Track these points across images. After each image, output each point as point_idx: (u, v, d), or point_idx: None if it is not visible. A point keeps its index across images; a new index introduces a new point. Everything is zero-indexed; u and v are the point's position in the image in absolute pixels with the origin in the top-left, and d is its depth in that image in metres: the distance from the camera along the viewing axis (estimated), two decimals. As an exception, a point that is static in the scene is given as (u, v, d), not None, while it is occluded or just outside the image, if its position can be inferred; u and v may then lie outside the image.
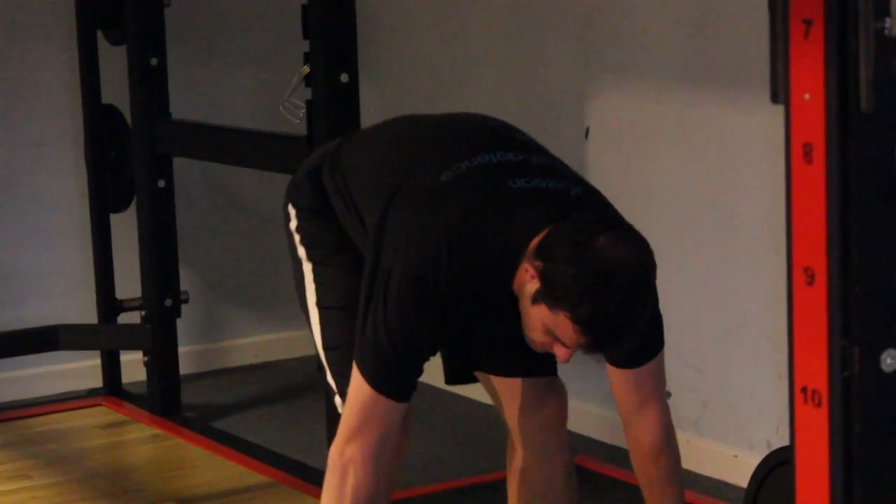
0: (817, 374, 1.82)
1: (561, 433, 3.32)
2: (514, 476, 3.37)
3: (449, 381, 3.43)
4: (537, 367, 3.28)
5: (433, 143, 3.20)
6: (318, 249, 3.27)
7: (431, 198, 3.04)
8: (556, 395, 3.30)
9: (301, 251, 3.29)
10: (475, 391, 3.80)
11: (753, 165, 4.58)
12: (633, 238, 2.91)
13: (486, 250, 2.97)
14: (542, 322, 2.89)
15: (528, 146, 3.19)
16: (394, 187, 3.08)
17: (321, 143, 4.50)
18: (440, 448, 4.94)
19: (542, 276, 2.85)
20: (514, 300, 3.00)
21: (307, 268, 3.27)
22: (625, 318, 2.86)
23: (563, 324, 2.84)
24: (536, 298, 2.88)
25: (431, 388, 4.24)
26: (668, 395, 3.24)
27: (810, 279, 1.82)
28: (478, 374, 3.37)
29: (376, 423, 2.97)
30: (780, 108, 2.00)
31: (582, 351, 2.89)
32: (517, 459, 3.35)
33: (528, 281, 2.90)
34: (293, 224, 3.31)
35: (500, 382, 3.32)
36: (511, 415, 3.31)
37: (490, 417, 3.57)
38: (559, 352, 2.91)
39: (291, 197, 3.34)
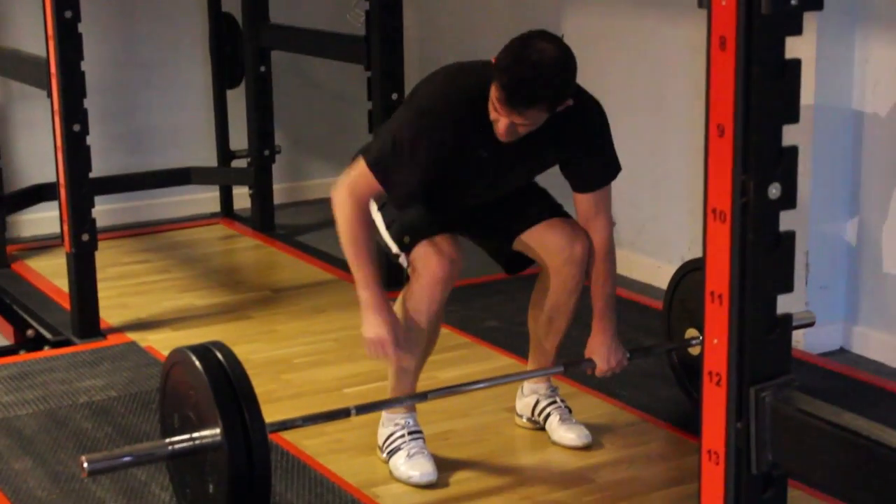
0: (724, 199, 1.80)
1: (582, 268, 3.15)
2: (540, 287, 3.25)
3: (510, 271, 3.32)
4: (547, 214, 3.19)
5: None
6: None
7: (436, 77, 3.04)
8: (582, 241, 3.13)
9: (378, 219, 3.16)
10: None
11: (678, 61, 4.53)
12: (563, 46, 2.86)
13: (473, 85, 2.94)
14: (492, 100, 2.86)
15: None
16: None
17: (375, 43, 4.47)
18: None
19: (495, 61, 2.85)
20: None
21: (377, 217, 3.15)
22: (532, 87, 2.80)
23: (496, 91, 2.83)
24: (492, 78, 2.85)
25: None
26: (614, 223, 3.21)
27: (721, 132, 1.79)
28: (518, 246, 3.23)
29: (362, 188, 2.96)
30: (700, 19, 1.96)
31: (504, 110, 2.82)
32: (545, 280, 3.21)
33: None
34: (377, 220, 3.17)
35: (532, 238, 3.18)
36: (546, 257, 3.17)
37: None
38: (500, 126, 2.87)
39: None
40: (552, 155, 3.10)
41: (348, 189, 2.97)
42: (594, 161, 3.11)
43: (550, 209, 3.22)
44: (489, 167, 3.07)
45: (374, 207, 3.16)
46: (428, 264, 3.02)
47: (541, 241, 3.18)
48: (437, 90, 2.98)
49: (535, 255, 3.23)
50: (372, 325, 2.96)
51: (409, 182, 2.99)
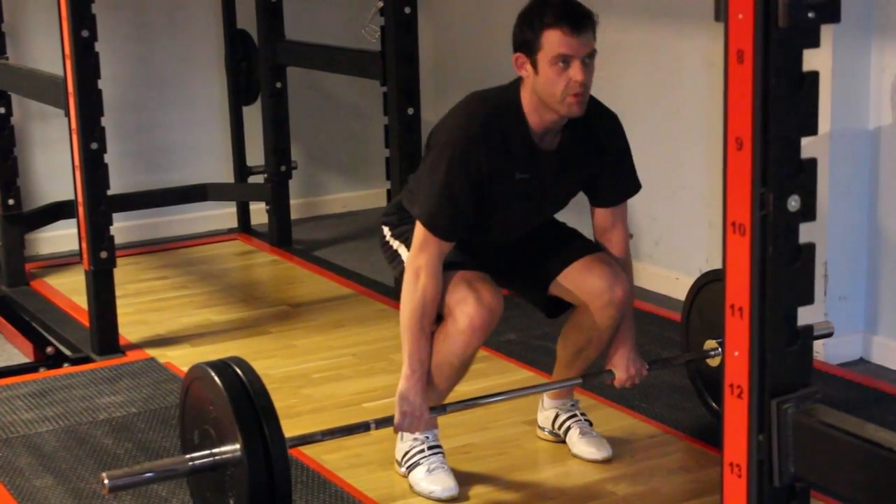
0: (743, 212, 1.80)
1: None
2: (574, 321, 3.20)
3: (551, 315, 3.27)
4: (583, 250, 3.14)
5: None
6: (403, 237, 3.13)
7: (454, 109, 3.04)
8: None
9: (394, 244, 3.17)
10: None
11: (692, 74, 4.53)
12: None
13: (494, 106, 2.95)
14: (549, 65, 2.86)
15: None
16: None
17: (391, 58, 4.48)
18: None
19: (521, 50, 2.89)
20: (534, 151, 2.96)
21: (401, 249, 3.15)
22: (576, 4, 2.91)
23: (550, 38, 2.85)
24: (534, 65, 2.88)
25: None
26: (631, 236, 3.21)
27: (740, 145, 1.79)
28: (556, 291, 3.17)
29: (431, 249, 2.94)
30: (715, 31, 1.96)
31: (567, 32, 2.84)
32: (579, 316, 3.16)
33: (525, 74, 2.91)
34: (387, 234, 3.20)
35: (570, 281, 3.12)
36: (586, 299, 3.10)
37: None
38: (575, 72, 2.85)
39: (385, 221, 3.22)
40: (587, 168, 3.09)
41: (421, 265, 2.93)
42: (617, 175, 3.10)
43: (584, 248, 3.17)
44: (531, 189, 3.04)
45: (387, 231, 3.18)
46: (465, 311, 2.95)
47: (580, 283, 3.12)
48: (456, 120, 2.97)
49: (574, 299, 3.16)
50: (411, 404, 2.96)
51: (465, 216, 2.97)
